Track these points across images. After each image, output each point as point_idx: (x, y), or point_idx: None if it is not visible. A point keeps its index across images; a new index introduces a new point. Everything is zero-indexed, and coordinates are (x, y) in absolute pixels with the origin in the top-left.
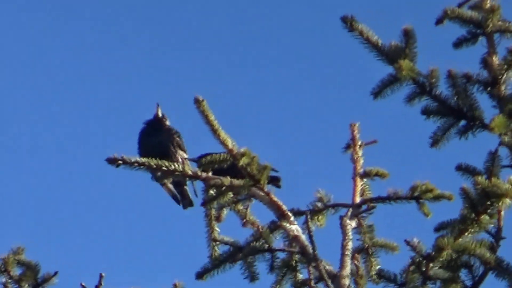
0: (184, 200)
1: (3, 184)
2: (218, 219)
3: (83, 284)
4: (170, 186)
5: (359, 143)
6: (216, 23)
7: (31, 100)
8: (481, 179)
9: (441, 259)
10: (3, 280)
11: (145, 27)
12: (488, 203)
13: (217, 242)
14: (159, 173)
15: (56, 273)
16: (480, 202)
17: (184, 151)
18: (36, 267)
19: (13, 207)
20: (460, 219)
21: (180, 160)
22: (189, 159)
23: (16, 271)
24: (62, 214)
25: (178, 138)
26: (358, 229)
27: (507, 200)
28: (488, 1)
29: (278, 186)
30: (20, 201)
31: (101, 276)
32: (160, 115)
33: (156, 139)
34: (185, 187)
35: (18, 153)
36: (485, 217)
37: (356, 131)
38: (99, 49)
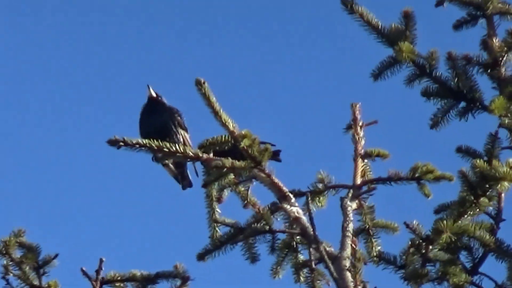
0: (183, 181)
1: (4, 166)
2: (219, 200)
3: (84, 269)
4: (171, 166)
5: (360, 123)
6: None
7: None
8: (480, 162)
9: (440, 241)
10: (4, 262)
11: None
12: (487, 186)
13: (218, 224)
14: (160, 154)
15: (56, 255)
16: (479, 185)
17: (185, 130)
18: (36, 249)
19: (14, 189)
20: (459, 201)
21: (181, 139)
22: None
23: (17, 253)
24: (62, 195)
25: (179, 117)
26: (358, 210)
27: (506, 184)
28: None
29: (278, 160)
30: (21, 183)
31: (101, 261)
32: (154, 95)
33: (158, 119)
34: (185, 168)
35: (18, 135)
36: (484, 200)
37: (357, 112)
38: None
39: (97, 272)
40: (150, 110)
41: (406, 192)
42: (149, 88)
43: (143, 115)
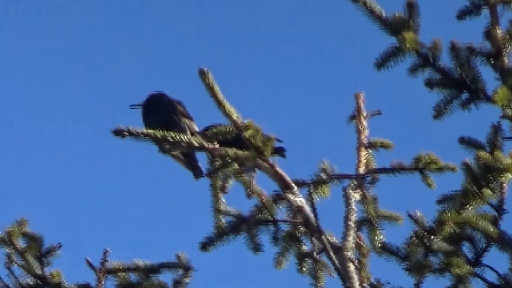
0: (195, 170)
1: (8, 156)
2: (223, 189)
3: (88, 259)
4: (181, 156)
5: (364, 113)
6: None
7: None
8: (483, 153)
9: (443, 232)
10: (7, 251)
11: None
12: (490, 177)
13: (221, 213)
14: (165, 145)
15: (59, 245)
16: (482, 176)
17: (190, 119)
18: (40, 239)
19: (17, 178)
20: (462, 192)
21: (186, 129)
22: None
23: (20, 243)
24: (66, 186)
25: (180, 107)
26: (362, 200)
27: (509, 175)
28: None
29: (284, 156)
30: (24, 172)
31: (106, 252)
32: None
33: (158, 114)
34: (194, 157)
35: (20, 126)
36: (487, 191)
37: (361, 101)
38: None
39: (102, 263)
40: (150, 107)
41: (410, 182)
42: (134, 106)
43: (144, 114)
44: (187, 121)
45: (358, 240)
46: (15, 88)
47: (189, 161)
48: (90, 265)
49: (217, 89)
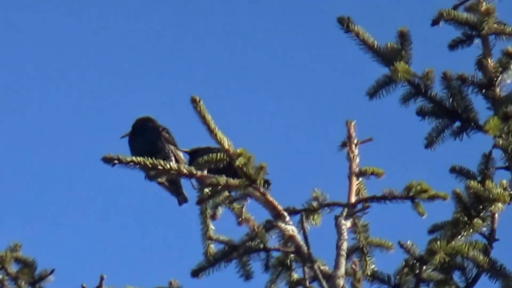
0: (179, 197)
1: (1, 180)
2: (213, 217)
3: (84, 285)
4: (165, 183)
5: (355, 141)
6: (212, 21)
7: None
8: (473, 183)
9: (434, 261)
10: (0, 276)
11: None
12: (481, 207)
13: (213, 240)
14: (153, 172)
15: (52, 270)
16: (473, 206)
17: (175, 145)
18: (33, 264)
19: (11, 203)
20: (452, 222)
21: (171, 155)
22: (180, 150)
23: (13, 268)
24: (58, 211)
25: (166, 134)
26: (353, 228)
27: (499, 205)
28: (484, 3)
29: (267, 188)
30: (17, 197)
31: (101, 278)
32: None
33: (143, 139)
34: (179, 184)
35: (17, 149)
36: (477, 221)
37: (352, 129)
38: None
39: None
40: (136, 132)
41: (400, 210)
42: (123, 136)
43: (130, 139)
44: (172, 147)
45: (352, 266)
46: None
47: (175, 188)
48: None
49: (209, 117)
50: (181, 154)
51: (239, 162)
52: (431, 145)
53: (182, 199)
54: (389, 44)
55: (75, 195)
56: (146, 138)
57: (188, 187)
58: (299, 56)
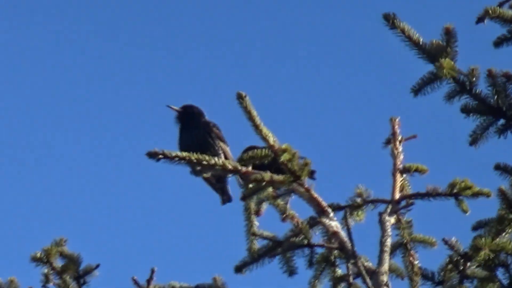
0: (223, 196)
1: (48, 176)
2: (257, 213)
3: (135, 278)
4: (212, 180)
5: (399, 138)
6: (246, 17)
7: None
8: None
9: (478, 258)
10: (45, 270)
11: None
12: None
13: (256, 236)
14: (199, 167)
15: (97, 265)
16: None
17: (224, 142)
18: (78, 258)
19: (56, 198)
20: (497, 219)
21: (220, 152)
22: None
23: (58, 263)
24: (104, 207)
25: (216, 130)
26: (397, 224)
27: None
28: None
29: (313, 178)
30: (63, 193)
31: (152, 271)
32: (178, 109)
33: (196, 133)
34: (226, 183)
35: (60, 145)
36: None
37: (396, 126)
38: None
39: (148, 281)
40: (186, 126)
41: (444, 207)
42: (170, 107)
43: (180, 132)
44: (222, 144)
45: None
46: None
47: (220, 186)
48: (137, 283)
49: (254, 113)
50: (229, 153)
51: (284, 158)
52: (475, 143)
53: (226, 198)
54: (434, 41)
55: (121, 191)
56: (197, 132)
57: (232, 187)
58: (345, 53)
